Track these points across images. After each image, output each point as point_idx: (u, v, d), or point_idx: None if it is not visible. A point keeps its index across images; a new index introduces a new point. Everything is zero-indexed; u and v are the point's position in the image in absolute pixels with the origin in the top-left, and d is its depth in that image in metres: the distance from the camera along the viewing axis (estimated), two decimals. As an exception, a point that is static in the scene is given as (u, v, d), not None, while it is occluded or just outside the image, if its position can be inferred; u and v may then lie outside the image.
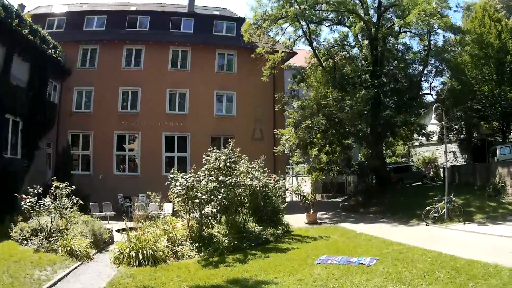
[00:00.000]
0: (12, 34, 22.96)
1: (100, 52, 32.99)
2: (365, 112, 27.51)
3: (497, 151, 28.60)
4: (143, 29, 34.48)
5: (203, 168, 17.73)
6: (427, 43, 30.03)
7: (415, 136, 34.06)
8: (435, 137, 35.03)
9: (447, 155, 37.12)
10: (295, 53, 34.22)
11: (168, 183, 17.01)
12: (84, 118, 31.98)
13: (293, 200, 30.70)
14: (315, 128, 27.00)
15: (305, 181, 35.50)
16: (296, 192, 23.81)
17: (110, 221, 23.77)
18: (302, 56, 35.82)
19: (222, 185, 16.67)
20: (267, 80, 31.14)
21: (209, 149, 18.49)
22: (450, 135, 34.98)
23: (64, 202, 16.56)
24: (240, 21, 35.79)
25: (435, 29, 28.54)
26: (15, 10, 23.81)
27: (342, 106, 26.45)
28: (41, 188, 16.40)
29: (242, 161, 19.38)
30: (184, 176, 16.69)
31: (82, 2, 38.13)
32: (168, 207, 23.23)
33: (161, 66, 33.24)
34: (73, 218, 17.07)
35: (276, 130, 30.63)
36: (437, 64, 31.39)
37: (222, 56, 34.94)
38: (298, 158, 30.14)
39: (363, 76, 29.76)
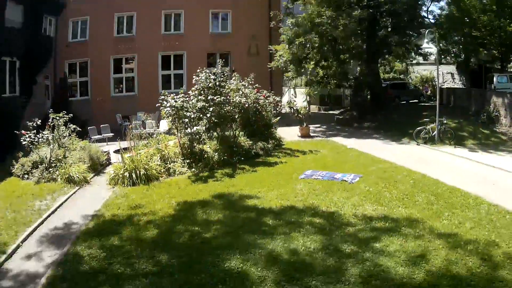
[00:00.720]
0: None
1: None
2: (359, 31, 27.04)
3: (495, 79, 28.40)
4: None
5: (193, 88, 17.97)
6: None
7: (413, 54, 33.52)
8: (432, 57, 34.53)
9: (445, 76, 37.17)
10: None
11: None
12: (80, 47, 31.70)
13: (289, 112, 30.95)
14: (308, 46, 26.70)
15: (301, 94, 35.73)
16: (289, 106, 24.02)
17: (108, 143, 24.47)
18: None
19: (212, 103, 16.96)
20: (262, -1, 30.56)
21: (198, 70, 18.53)
22: (448, 57, 34.54)
23: (62, 132, 17.26)
24: None
25: None
26: None
27: (336, 24, 26.00)
28: (40, 121, 16.98)
29: (233, 78, 19.43)
30: (175, 97, 16.90)
31: None
32: (164, 124, 23.68)
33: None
34: (71, 145, 17.80)
35: (270, 46, 30.30)
36: None
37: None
38: (293, 74, 30.00)
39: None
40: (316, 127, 27.75)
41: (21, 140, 16.21)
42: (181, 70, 33.06)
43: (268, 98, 20.92)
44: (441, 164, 16.65)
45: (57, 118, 17.30)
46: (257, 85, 20.65)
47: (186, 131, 16.79)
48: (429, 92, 38.31)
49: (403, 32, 29.54)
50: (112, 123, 28.79)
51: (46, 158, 16.01)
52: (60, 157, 16.27)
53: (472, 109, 26.53)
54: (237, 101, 17.76)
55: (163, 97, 17.25)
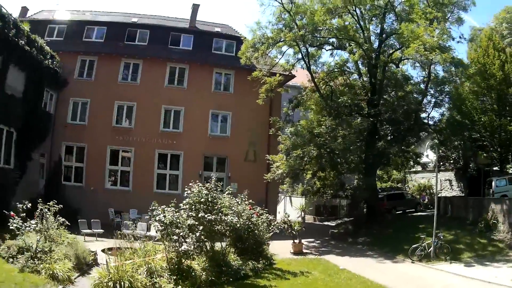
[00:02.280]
0: (9, 44, 22.96)
1: (98, 64, 32.96)
2: (358, 143, 27.30)
3: (493, 183, 28.18)
4: (142, 43, 34.40)
5: (185, 201, 17.67)
6: (426, 74, 29.96)
7: (411, 163, 33.78)
8: (431, 165, 34.78)
9: (443, 183, 37.13)
10: (293, 76, 34.01)
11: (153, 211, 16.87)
12: (79, 130, 31.93)
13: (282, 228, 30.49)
14: (306, 159, 26.80)
15: (296, 203, 35.53)
16: (284, 221, 23.60)
17: (98, 238, 23.96)
18: (301, 78, 35.71)
19: (202, 221, 16.60)
20: (263, 103, 31.03)
21: (191, 183, 18.34)
22: (446, 164, 34.75)
23: (50, 224, 16.73)
24: (240, 40, 35.63)
25: (434, 62, 28.27)
26: (13, 19, 23.80)
27: (335, 135, 26.34)
28: (30, 204, 16.59)
29: (226, 192, 19.17)
30: (165, 210, 16.53)
31: (86, 9, 38.57)
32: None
33: (157, 82, 33.20)
34: (58, 238, 17.16)
35: (268, 155, 30.44)
36: (437, 95, 31.26)
37: (219, 75, 34.85)
38: (288, 187, 29.82)
39: (360, 105, 29.53)
40: (310, 242, 27.20)
41: (9, 224, 15.88)
42: (177, 171, 32.96)
43: (261, 216, 20.54)
44: (435, 285, 16.39)
45: (47, 208, 16.87)
46: (250, 200, 20.30)
47: (175, 246, 16.22)
48: (426, 200, 38.15)
49: (403, 140, 30.12)
50: (103, 216, 28.40)
51: (32, 248, 15.52)
52: (46, 249, 15.77)
53: (469, 218, 26.20)
54: (229, 220, 17.37)
55: (153, 208, 16.84)
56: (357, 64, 31.46)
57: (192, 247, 16.28)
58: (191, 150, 32.68)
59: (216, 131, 34.20)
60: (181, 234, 15.63)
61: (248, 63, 30.47)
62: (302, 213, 25.85)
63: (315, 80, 30.96)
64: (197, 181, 19.34)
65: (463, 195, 34.70)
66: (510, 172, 30.74)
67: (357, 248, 25.83)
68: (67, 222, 17.73)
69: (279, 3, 29.67)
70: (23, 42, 24.17)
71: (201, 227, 16.34)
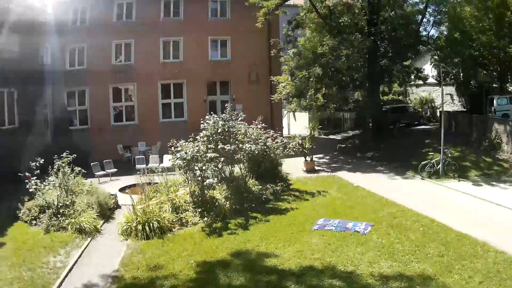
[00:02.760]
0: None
1: (91, 8, 31.65)
2: (361, 61, 27.22)
3: (495, 102, 28.44)
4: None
5: (202, 134, 17.96)
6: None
7: (412, 78, 33.91)
8: (432, 79, 34.93)
9: (444, 97, 37.36)
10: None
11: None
12: (79, 75, 31.34)
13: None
14: (312, 79, 26.81)
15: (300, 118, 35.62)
16: (299, 143, 23.97)
17: (112, 178, 24.54)
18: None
19: (222, 152, 17.01)
20: (261, 26, 30.45)
21: (207, 116, 18.52)
22: (447, 79, 34.83)
23: (67, 180, 16.87)
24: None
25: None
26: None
27: (338, 54, 26.21)
28: (42, 160, 16.71)
29: (239, 119, 19.40)
30: (185, 147, 16.86)
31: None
32: (167, 159, 23.67)
33: (153, 16, 32.17)
34: (77, 188, 17.47)
35: (272, 76, 30.51)
36: (435, 14, 31.09)
37: (215, 3, 33.85)
38: (295, 106, 30.01)
39: (360, 24, 29.08)
40: (320, 158, 27.86)
41: (26, 185, 15.98)
42: (181, 99, 33.01)
43: (276, 140, 20.95)
44: (447, 204, 16.90)
45: (62, 162, 16.98)
46: (263, 124, 20.64)
47: (197, 180, 16.71)
48: (428, 113, 38.69)
49: (404, 57, 30.24)
50: (113, 152, 28.99)
51: (54, 204, 15.87)
52: (67, 203, 16.11)
53: (473, 135, 26.69)
54: (247, 148, 17.78)
55: (173, 148, 17.15)
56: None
57: (216, 179, 16.80)
58: (194, 77, 32.52)
59: (217, 56, 33.81)
60: (204, 168, 16.01)
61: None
62: (312, 131, 26.11)
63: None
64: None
65: (465, 110, 35.13)
66: (510, 90, 30.90)
67: (367, 164, 26.47)
68: (83, 170, 17.93)
69: None
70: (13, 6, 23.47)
71: (222, 159, 16.79)
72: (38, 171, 16.36)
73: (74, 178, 17.41)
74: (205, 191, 16.70)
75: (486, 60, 29.90)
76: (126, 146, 30.38)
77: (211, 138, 17.72)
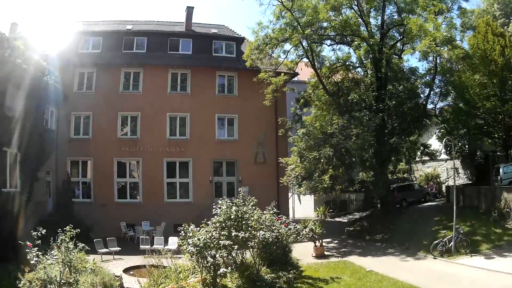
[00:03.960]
0: (5, 65, 22.13)
1: (97, 75, 32.30)
2: (372, 141, 27.16)
3: (501, 170, 28.23)
4: (141, 51, 33.79)
5: (214, 220, 17.44)
6: (432, 66, 29.99)
7: (419, 154, 33.94)
8: (438, 155, 34.99)
9: (449, 171, 37.31)
10: (296, 73, 33.77)
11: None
12: (83, 144, 31.38)
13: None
14: (322, 160, 26.63)
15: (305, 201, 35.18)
16: (304, 226, 23.49)
17: (115, 256, 23.74)
18: (304, 75, 35.69)
19: (236, 239, 16.46)
20: (269, 104, 30.80)
21: (220, 201, 18.11)
22: (453, 152, 34.89)
23: (70, 252, 15.90)
24: (240, 40, 35.40)
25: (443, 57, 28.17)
26: (6, 38, 23.15)
27: (348, 133, 26.21)
28: (44, 230, 15.73)
29: (251, 203, 18.92)
30: (196, 233, 16.27)
31: (79, 20, 37.67)
32: (173, 241, 23.10)
33: (160, 89, 32.65)
34: (80, 265, 16.54)
35: (280, 158, 30.36)
36: (442, 85, 31.37)
37: (222, 78, 34.28)
38: (305, 190, 29.55)
39: (368, 100, 29.43)
40: (328, 242, 27.10)
41: (27, 255, 14.98)
42: (186, 178, 32.55)
43: (289, 226, 20.49)
44: (463, 281, 16.73)
45: (65, 238, 15.89)
46: (275, 209, 20.14)
47: (210, 268, 15.96)
48: (434, 190, 38.57)
49: (411, 132, 30.72)
50: (115, 230, 28.59)
51: (56, 280, 14.83)
52: (70, 281, 15.16)
53: (482, 207, 26.31)
54: (261, 236, 17.26)
55: (183, 232, 16.59)
56: (361, 59, 31.26)
57: (229, 269, 16.10)
58: (200, 156, 32.33)
59: (224, 135, 33.76)
60: (217, 256, 15.36)
61: (254, 65, 30.19)
62: (322, 216, 25.54)
63: (320, 76, 30.83)
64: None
65: (471, 182, 34.91)
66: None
67: (377, 246, 25.85)
68: (86, 247, 16.96)
69: (279, 1, 29.46)
70: (19, 61, 23.32)
71: (235, 246, 16.21)
72: (40, 241, 15.49)
73: (77, 253, 16.42)
74: (217, 280, 15.93)
75: (491, 128, 30.00)
76: (129, 225, 29.69)
77: (223, 224, 17.15)
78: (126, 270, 20.94)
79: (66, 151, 31.08)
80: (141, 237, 25.92)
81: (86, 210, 29.49)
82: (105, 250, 23.69)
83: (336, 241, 28.10)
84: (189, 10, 37.35)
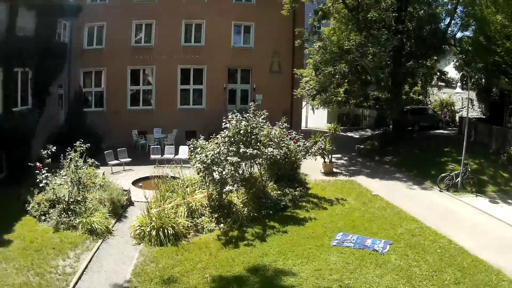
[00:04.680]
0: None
1: (111, -14, 31.08)
2: (389, 61, 26.31)
3: None
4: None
5: (223, 134, 17.39)
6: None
7: (435, 79, 33.10)
8: (454, 84, 34.13)
9: (464, 102, 36.68)
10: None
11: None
12: (96, 55, 30.77)
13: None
14: (337, 76, 26.02)
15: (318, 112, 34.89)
16: (314, 142, 23.46)
17: (125, 167, 24.13)
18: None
19: (244, 155, 16.48)
20: (287, 14, 29.61)
21: (230, 115, 17.89)
22: (469, 84, 33.92)
23: (79, 174, 16.30)
24: None
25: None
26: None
27: (365, 52, 25.36)
28: (54, 148, 16.14)
29: (262, 117, 18.72)
30: (205, 148, 16.29)
31: None
32: (184, 150, 23.31)
33: (176, -4, 31.46)
34: (89, 181, 17.10)
35: (294, 69, 29.59)
36: (464, 15, 29.78)
37: (241, -16, 32.86)
38: (318, 104, 29.13)
39: (387, 20, 28.14)
40: (338, 159, 27.40)
41: (37, 177, 15.32)
42: (200, 85, 32.28)
43: (298, 142, 20.45)
44: (464, 223, 16.83)
45: (74, 156, 16.35)
46: (286, 124, 20.00)
47: (217, 185, 16.16)
48: (448, 117, 37.99)
49: (429, 58, 30.10)
50: (127, 138, 29.01)
51: (64, 200, 15.37)
52: (79, 199, 15.69)
53: (492, 147, 26.11)
54: (269, 153, 17.24)
55: (192, 146, 16.63)
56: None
57: (235, 185, 16.28)
58: (215, 63, 31.76)
59: (239, 42, 33.05)
60: (224, 172, 15.47)
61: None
62: (334, 131, 25.20)
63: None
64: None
65: (484, 117, 34.32)
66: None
67: (385, 169, 25.98)
68: (96, 162, 17.46)
69: None
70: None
71: (243, 163, 16.29)
72: (50, 159, 15.88)
73: (87, 169, 16.95)
74: (223, 196, 16.22)
75: (509, 68, 28.97)
76: (141, 132, 29.92)
77: (232, 139, 17.14)
78: (135, 182, 21.46)
79: (80, 63, 30.65)
80: (151, 146, 26.17)
81: (98, 119, 29.63)
82: (115, 161, 23.98)
83: (345, 158, 28.35)
84: None
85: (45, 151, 15.90)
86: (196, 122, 30.29)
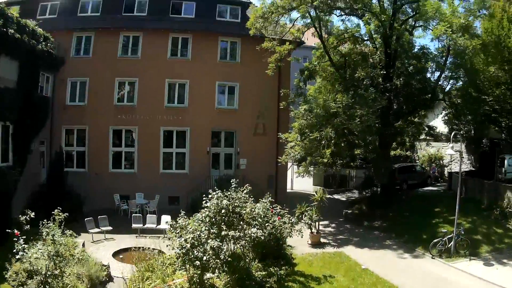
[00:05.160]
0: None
1: (95, 40, 30.86)
2: (377, 124, 25.94)
3: (506, 162, 27.18)
4: (141, 14, 31.92)
5: (204, 214, 16.49)
6: (445, 48, 28.15)
7: (423, 135, 32.82)
8: (443, 138, 33.97)
9: (453, 155, 36.34)
10: (303, 42, 32.21)
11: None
12: (78, 111, 30.34)
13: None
14: (323, 142, 25.50)
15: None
16: (301, 213, 22.82)
17: (107, 235, 23.40)
18: (311, 41, 34.43)
19: (226, 238, 15.66)
20: (272, 74, 29.38)
21: (210, 194, 17.11)
22: (458, 136, 33.70)
23: (57, 248, 15.28)
24: (246, 5, 33.30)
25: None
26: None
27: (352, 113, 24.92)
28: (33, 214, 15.30)
29: (244, 191, 18.02)
30: (184, 228, 15.42)
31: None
32: (166, 219, 22.57)
33: (160, 54, 31.12)
34: (67, 253, 16.10)
35: (280, 133, 28.99)
36: (453, 67, 29.63)
37: (225, 43, 32.68)
38: (303, 171, 28.38)
39: (375, 78, 28.05)
40: (325, 226, 26.65)
41: (15, 243, 14.68)
42: (183, 148, 31.57)
43: (283, 219, 19.70)
44: None
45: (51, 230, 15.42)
46: (270, 198, 19.37)
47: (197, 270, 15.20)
48: (436, 173, 37.60)
49: (417, 114, 30.04)
50: (109, 202, 28.39)
51: (41, 272, 14.54)
52: (56, 272, 14.82)
53: (484, 203, 25.64)
54: (253, 234, 16.42)
55: (170, 227, 15.76)
56: (371, 33, 29.57)
57: (217, 272, 15.37)
58: (198, 125, 31.20)
59: (224, 103, 32.52)
60: (205, 259, 14.56)
61: (257, 33, 28.43)
62: (320, 198, 24.36)
63: (327, 48, 29.31)
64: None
65: (474, 169, 33.92)
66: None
67: (375, 235, 25.16)
68: (75, 234, 16.89)
69: None
70: (12, 31, 22.33)
71: (225, 247, 15.43)
72: (28, 226, 15.06)
73: (65, 240, 16.08)
74: (204, 281, 15.23)
75: (498, 116, 28.79)
76: (123, 196, 29.07)
77: (213, 220, 16.27)
78: (115, 254, 20.80)
79: (62, 119, 30.17)
80: (133, 215, 25.27)
81: (80, 180, 28.94)
82: (96, 230, 23.23)
83: (333, 225, 27.54)
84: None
85: (23, 217, 15.15)
86: (179, 187, 29.84)
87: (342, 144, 26.79)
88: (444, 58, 28.78)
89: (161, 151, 31.30)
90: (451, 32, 23.68)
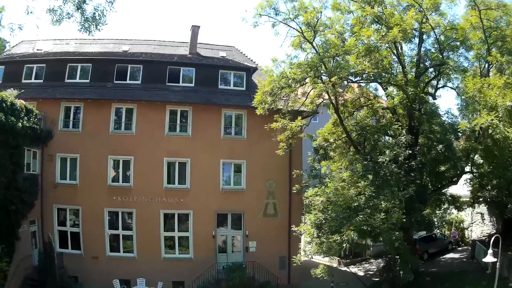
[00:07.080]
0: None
1: (84, 111, 28.00)
2: (404, 220, 22.91)
3: None
4: (135, 82, 29.26)
5: None
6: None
7: (446, 205, 30.31)
8: (465, 207, 31.79)
9: (474, 216, 34.10)
10: (317, 112, 28.91)
11: None
12: (70, 190, 27.55)
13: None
14: (344, 244, 22.60)
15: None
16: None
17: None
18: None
19: None
20: (283, 154, 26.53)
21: None
22: (480, 199, 31.22)
23: None
24: (251, 70, 30.45)
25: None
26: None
27: (376, 205, 22.03)
28: None
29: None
30: None
31: (70, 38, 33.01)
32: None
33: (156, 129, 28.24)
34: None
35: (293, 226, 26.11)
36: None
37: (229, 115, 29.58)
38: (321, 273, 25.29)
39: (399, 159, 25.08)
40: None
41: None
42: (186, 232, 28.50)
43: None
44: None
45: None
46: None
47: None
48: (457, 237, 35.75)
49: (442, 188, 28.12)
50: (109, 286, 25.86)
51: None
52: None
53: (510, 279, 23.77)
54: None
55: None
56: (394, 109, 26.91)
57: None
58: (202, 208, 28.19)
59: (229, 183, 29.35)
60: None
61: (265, 113, 25.57)
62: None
63: (344, 124, 26.60)
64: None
65: (496, 232, 31.45)
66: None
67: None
68: None
69: (298, 32, 25.01)
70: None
71: None
72: None
73: None
74: None
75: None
76: (123, 281, 26.46)
77: None
78: None
79: (53, 198, 27.38)
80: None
81: (75, 263, 26.64)
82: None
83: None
84: (195, 30, 32.86)
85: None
86: (184, 272, 27.10)
87: (363, 242, 23.99)
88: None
89: (162, 236, 28.26)
90: (497, 121, 20.38)
